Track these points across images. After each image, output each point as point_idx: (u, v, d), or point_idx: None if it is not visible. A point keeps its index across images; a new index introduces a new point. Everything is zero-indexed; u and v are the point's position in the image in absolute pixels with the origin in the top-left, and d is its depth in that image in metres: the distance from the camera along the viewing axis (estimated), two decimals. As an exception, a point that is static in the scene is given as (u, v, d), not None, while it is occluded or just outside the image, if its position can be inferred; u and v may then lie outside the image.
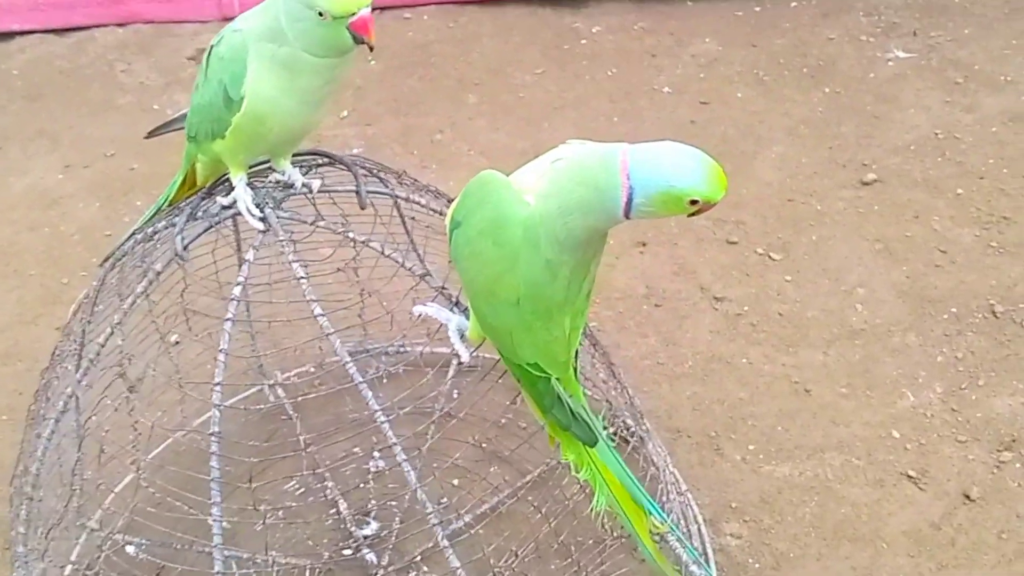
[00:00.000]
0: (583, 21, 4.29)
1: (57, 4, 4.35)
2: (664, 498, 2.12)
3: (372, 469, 2.52)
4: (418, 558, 2.30)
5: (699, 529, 2.32)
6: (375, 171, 2.15)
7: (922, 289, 2.98)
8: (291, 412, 2.36)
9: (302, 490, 2.49)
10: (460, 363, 1.89)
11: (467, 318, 1.89)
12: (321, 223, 1.95)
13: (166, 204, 2.17)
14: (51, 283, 3.20)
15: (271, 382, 2.70)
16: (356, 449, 2.53)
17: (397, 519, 2.38)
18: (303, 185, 2.02)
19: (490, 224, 1.63)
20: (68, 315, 2.33)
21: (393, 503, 2.43)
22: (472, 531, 2.25)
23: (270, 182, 2.03)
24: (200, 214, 2.01)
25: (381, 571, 2.26)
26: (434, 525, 1.84)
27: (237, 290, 1.87)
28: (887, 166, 3.43)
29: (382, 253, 1.97)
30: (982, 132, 3.55)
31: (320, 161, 2.15)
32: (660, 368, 2.79)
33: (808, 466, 2.54)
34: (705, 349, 2.84)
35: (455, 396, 2.52)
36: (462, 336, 1.90)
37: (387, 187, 2.11)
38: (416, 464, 1.98)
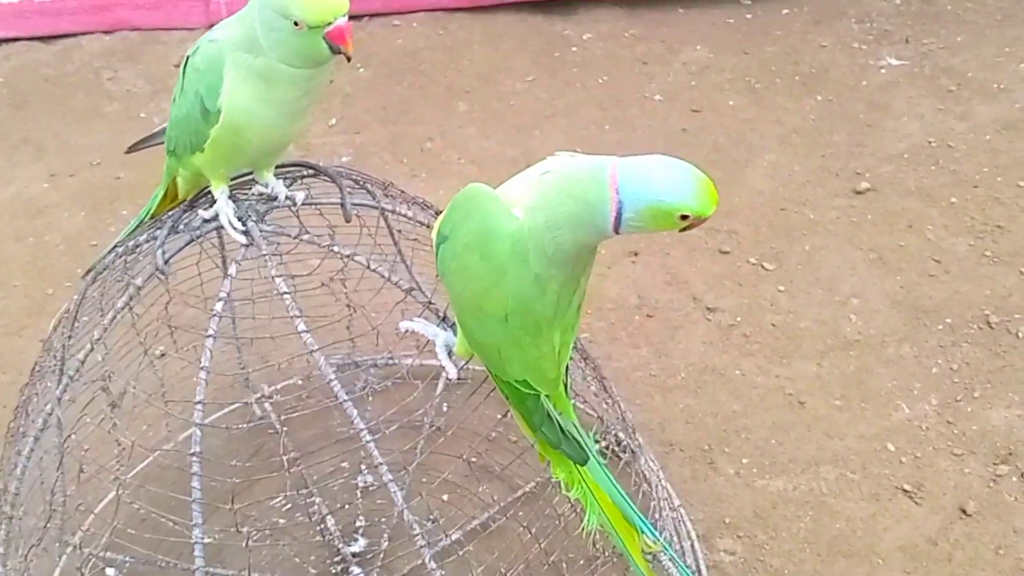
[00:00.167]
0: (574, 28, 4.26)
1: (43, 11, 4.31)
2: (657, 515, 2.08)
3: (360, 484, 2.48)
4: (407, 576, 2.27)
5: (692, 545, 2.28)
6: (361, 182, 2.11)
7: (916, 299, 2.95)
8: (278, 427, 2.32)
9: (289, 506, 2.45)
10: (448, 380, 1.86)
11: (455, 334, 1.85)
12: (305, 236, 1.92)
13: (148, 217, 2.13)
14: (36, 294, 3.16)
15: (257, 396, 2.66)
16: (344, 464, 2.49)
17: (386, 536, 2.34)
18: (287, 198, 1.99)
19: (477, 238, 1.60)
20: (50, 327, 2.29)
21: (382, 520, 2.39)
22: (462, 550, 2.21)
23: (253, 194, 1.99)
24: (182, 227, 1.97)
25: (369, 589, 2.23)
26: (421, 547, 1.80)
27: (219, 305, 1.83)
28: (880, 175, 3.40)
29: (368, 267, 1.93)
30: (975, 140, 3.52)
31: (305, 173, 2.11)
32: (652, 380, 2.76)
33: (802, 480, 2.50)
34: (698, 360, 2.81)
35: (444, 409, 2.49)
36: (450, 352, 1.86)
37: (374, 199, 2.07)
38: (404, 481, 1.95)
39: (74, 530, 2.15)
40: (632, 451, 2.19)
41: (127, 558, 2.17)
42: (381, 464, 1.79)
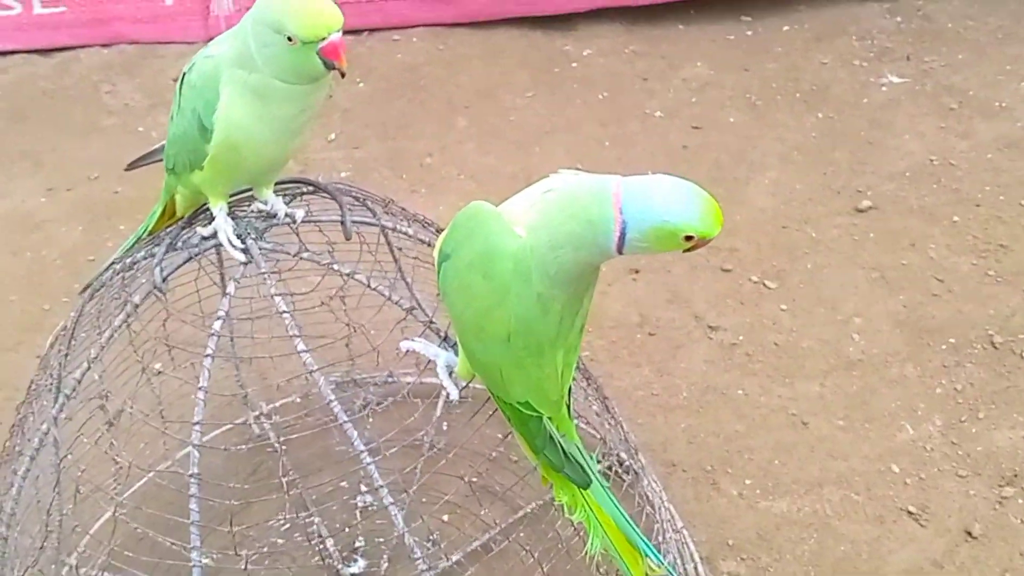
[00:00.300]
0: (574, 44, 4.25)
1: (41, 24, 4.30)
2: (660, 537, 2.06)
3: (359, 505, 2.45)
4: (407, 598, 2.24)
5: (696, 568, 2.25)
6: (361, 199, 2.09)
7: (919, 319, 2.93)
8: (277, 447, 2.30)
9: (287, 526, 2.42)
10: (449, 401, 1.83)
11: (456, 354, 1.83)
12: (305, 255, 1.89)
13: (145, 234, 2.10)
14: (32, 309, 3.13)
15: (256, 414, 2.64)
16: (343, 484, 2.46)
17: (385, 557, 2.31)
18: (286, 215, 1.96)
19: (479, 257, 1.58)
20: (47, 345, 2.26)
21: (381, 541, 2.36)
22: (464, 573, 2.18)
23: (252, 212, 1.97)
24: (180, 244, 1.95)
25: (368, 611, 2.20)
26: (422, 570, 1.78)
27: (217, 324, 1.81)
28: (882, 193, 3.39)
29: (368, 286, 1.91)
30: (977, 159, 3.51)
31: (304, 189, 2.09)
32: (654, 399, 2.74)
33: (806, 501, 2.48)
34: (700, 380, 2.78)
35: (444, 429, 2.47)
36: (451, 373, 1.84)
37: (374, 216, 2.05)
38: (404, 502, 1.92)
39: (70, 550, 2.12)
40: (635, 472, 2.17)
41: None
42: (382, 487, 1.76)
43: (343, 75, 1.74)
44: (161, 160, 2.02)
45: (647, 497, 2.15)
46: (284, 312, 1.79)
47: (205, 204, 1.98)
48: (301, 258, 1.90)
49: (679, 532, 2.30)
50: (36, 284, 3.21)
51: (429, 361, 1.88)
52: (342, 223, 1.97)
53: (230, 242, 1.88)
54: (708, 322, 2.95)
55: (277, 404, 2.67)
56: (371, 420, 2.23)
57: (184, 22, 4.33)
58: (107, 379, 1.95)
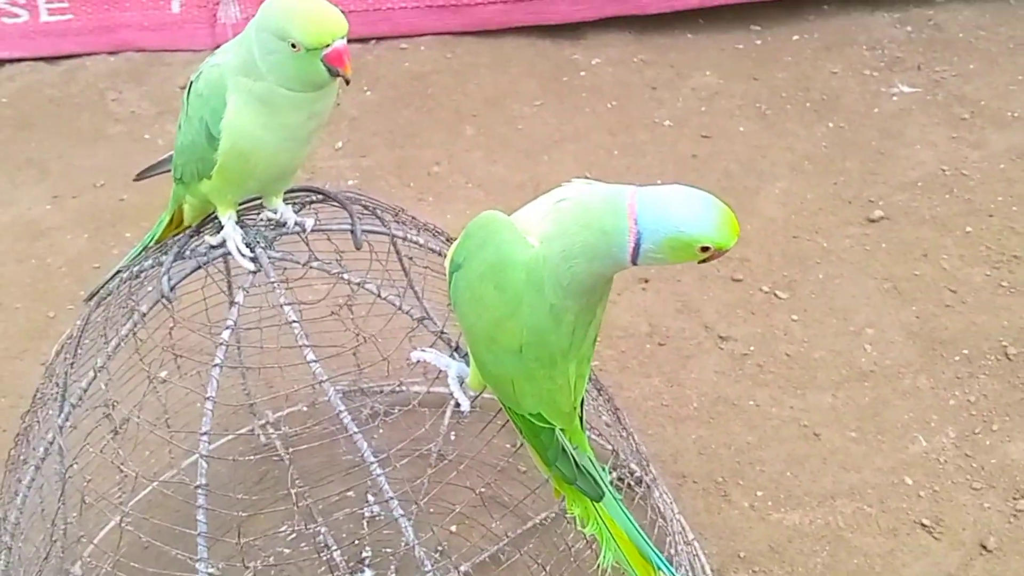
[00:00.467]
0: (582, 53, 4.23)
1: (48, 32, 4.29)
2: (672, 550, 2.04)
3: (367, 515, 2.43)
4: (414, 609, 2.21)
5: (707, 581, 2.23)
6: (371, 208, 2.07)
7: (932, 330, 2.90)
8: (284, 456, 2.27)
9: (294, 536, 2.40)
10: (461, 412, 1.81)
11: (467, 364, 1.80)
12: (315, 264, 1.87)
13: (152, 243, 2.08)
14: (37, 317, 3.11)
15: (262, 422, 2.62)
16: (350, 493, 2.44)
17: (393, 568, 2.29)
18: (296, 224, 1.94)
19: (491, 267, 1.55)
20: (52, 353, 2.24)
21: (389, 550, 2.34)
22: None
23: (261, 220, 1.95)
24: (188, 253, 1.93)
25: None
26: (432, 583, 1.75)
27: (226, 334, 1.78)
28: (894, 203, 3.36)
29: (379, 296, 1.89)
30: (990, 169, 3.48)
31: (314, 198, 2.07)
32: (664, 410, 2.71)
33: (819, 514, 2.45)
34: (710, 390, 2.76)
35: (452, 439, 2.45)
36: (462, 384, 1.82)
37: (384, 225, 2.02)
38: (412, 513, 1.90)
39: (75, 560, 2.10)
40: (647, 485, 2.14)
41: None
42: (392, 498, 1.73)
43: (347, 82, 1.72)
44: (169, 170, 2.00)
45: (658, 509, 2.12)
46: (294, 322, 1.77)
47: (213, 212, 1.96)
48: (311, 267, 1.87)
49: (690, 544, 2.28)
50: (41, 292, 3.20)
51: (440, 372, 1.85)
52: (352, 232, 1.95)
53: (239, 251, 1.86)
54: (719, 332, 2.93)
55: (284, 413, 2.65)
56: (381, 430, 2.21)
57: (191, 30, 4.32)
58: (112, 387, 1.93)
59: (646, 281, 3.10)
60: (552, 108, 3.93)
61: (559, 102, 3.97)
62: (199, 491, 1.73)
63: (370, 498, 2.45)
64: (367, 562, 2.35)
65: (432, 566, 1.75)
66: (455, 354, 1.89)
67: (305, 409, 2.66)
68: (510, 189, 3.50)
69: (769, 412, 2.70)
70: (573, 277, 1.50)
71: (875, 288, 3.05)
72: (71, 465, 1.91)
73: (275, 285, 1.82)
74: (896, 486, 2.51)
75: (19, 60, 4.29)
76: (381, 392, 2.59)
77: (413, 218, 2.14)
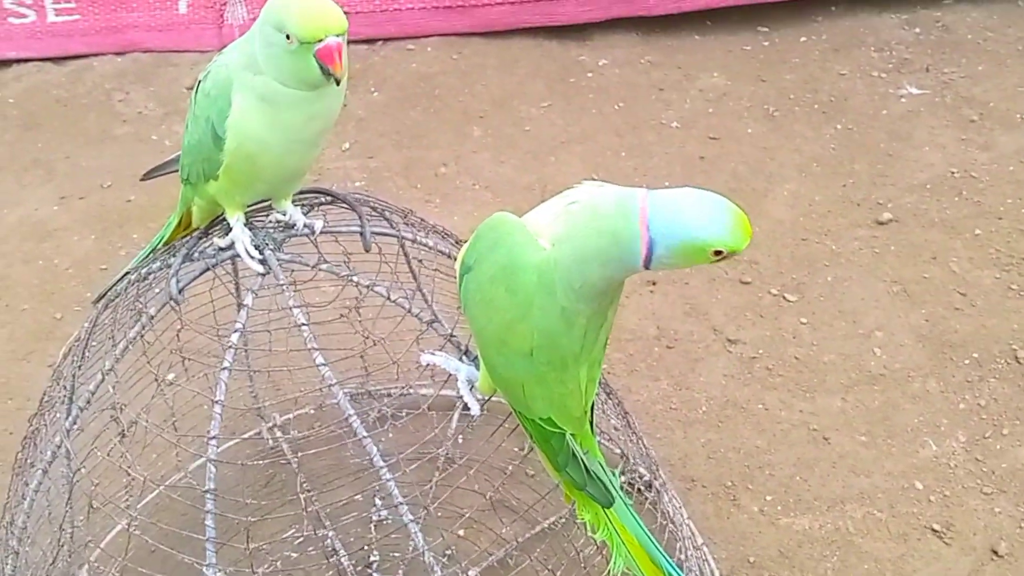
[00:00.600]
0: (589, 54, 4.22)
1: (55, 32, 4.28)
2: (682, 555, 2.02)
3: (374, 519, 2.42)
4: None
5: (717, 586, 2.22)
6: (380, 210, 2.06)
7: (942, 333, 2.89)
8: (291, 459, 2.27)
9: (301, 539, 2.39)
10: (471, 416, 1.80)
11: (477, 368, 1.79)
12: (324, 266, 1.86)
13: (160, 245, 2.07)
14: (44, 318, 3.10)
15: (269, 425, 2.61)
16: (358, 497, 2.43)
17: (400, 572, 2.27)
18: (305, 226, 1.93)
19: (502, 269, 1.54)
20: (59, 355, 2.23)
21: (397, 555, 2.33)
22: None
23: (270, 222, 1.94)
24: (197, 255, 1.92)
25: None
26: (441, 588, 1.74)
27: (235, 337, 1.77)
28: (902, 205, 3.35)
29: (388, 298, 1.88)
30: (999, 171, 3.47)
31: (322, 200, 2.05)
32: (673, 413, 2.70)
33: (828, 518, 2.44)
34: (719, 394, 2.75)
35: (459, 442, 2.44)
36: (472, 387, 1.81)
37: (393, 227, 2.01)
38: (420, 516, 1.89)
39: (82, 563, 2.09)
40: (657, 489, 2.13)
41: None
42: (401, 504, 1.72)
43: (337, 82, 1.69)
44: (176, 171, 1.99)
45: (668, 514, 2.11)
46: (303, 325, 1.76)
47: (221, 214, 1.95)
48: (320, 269, 1.86)
49: (699, 549, 2.27)
50: (48, 293, 3.19)
51: (449, 375, 1.84)
52: (361, 234, 1.94)
53: (248, 253, 1.85)
54: (727, 335, 2.91)
55: (291, 416, 2.64)
56: (391, 434, 2.20)
57: (198, 31, 4.32)
58: (120, 390, 1.92)
59: (654, 284, 3.09)
60: (559, 109, 3.92)
61: (566, 103, 3.95)
62: (208, 496, 1.72)
63: (378, 502, 2.44)
64: (375, 567, 2.34)
65: (441, 571, 1.74)
66: (464, 357, 1.88)
67: (312, 412, 2.65)
68: (517, 190, 3.49)
69: (778, 416, 2.68)
70: (585, 281, 1.49)
71: (884, 291, 3.04)
72: (78, 469, 1.90)
73: (284, 287, 1.81)
74: (906, 490, 2.49)
75: (26, 60, 4.28)
76: (388, 395, 2.57)
77: (422, 220, 2.13)
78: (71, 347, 2.06)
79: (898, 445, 2.60)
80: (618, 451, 2.19)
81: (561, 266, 1.49)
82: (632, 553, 1.77)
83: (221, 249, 1.90)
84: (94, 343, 2.00)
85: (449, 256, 2.02)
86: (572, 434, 1.70)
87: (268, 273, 1.85)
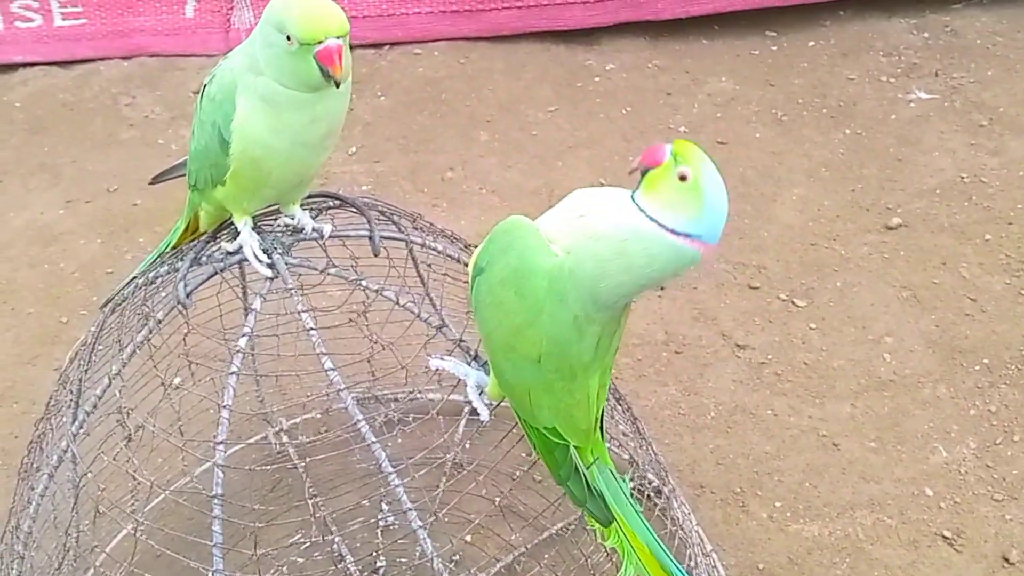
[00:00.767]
0: (596, 58, 4.21)
1: (62, 36, 4.28)
2: (692, 562, 2.01)
3: (381, 524, 2.41)
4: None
5: (726, 593, 2.20)
6: (389, 214, 2.05)
7: (952, 339, 2.87)
8: (297, 462, 2.25)
9: (307, 544, 2.38)
10: (480, 421, 1.78)
11: (487, 373, 1.78)
12: (332, 270, 1.85)
13: (168, 250, 2.06)
14: (50, 322, 3.10)
15: (276, 429, 2.60)
16: (364, 502, 2.41)
17: (407, 578, 2.27)
18: (313, 230, 1.92)
19: (514, 272, 1.53)
20: (66, 359, 2.23)
21: (403, 560, 2.31)
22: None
23: (279, 226, 1.93)
24: (204, 259, 1.91)
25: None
26: (449, 595, 1.73)
27: (243, 341, 1.76)
28: (912, 210, 3.33)
29: (397, 303, 1.87)
30: (1009, 176, 3.45)
31: (330, 204, 2.05)
32: (681, 419, 2.68)
33: (838, 525, 2.42)
34: (728, 399, 2.73)
35: (467, 447, 2.42)
36: (481, 393, 1.79)
37: (402, 232, 2.00)
38: (428, 522, 1.87)
39: (87, 569, 2.08)
40: (666, 496, 2.11)
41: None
42: (410, 509, 1.71)
43: (337, 84, 1.68)
44: (185, 175, 1.98)
45: (677, 520, 2.10)
46: (312, 330, 1.74)
47: (229, 218, 1.94)
48: (329, 274, 1.85)
49: (708, 556, 2.25)
50: (54, 297, 3.18)
51: (458, 380, 1.83)
52: (370, 239, 1.93)
53: (256, 257, 1.84)
54: (736, 340, 2.90)
55: (297, 420, 2.63)
56: (400, 440, 2.19)
57: (205, 35, 4.31)
58: (126, 394, 1.91)
59: (662, 288, 3.07)
60: (566, 114, 3.91)
61: (573, 108, 3.94)
62: (215, 501, 1.71)
63: (384, 507, 2.43)
64: (381, 572, 2.32)
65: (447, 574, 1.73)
66: (473, 362, 1.86)
67: (318, 417, 2.64)
68: (524, 195, 3.48)
69: (787, 421, 2.67)
70: (613, 290, 1.48)
71: (894, 296, 3.02)
72: (85, 473, 1.89)
73: (292, 292, 1.80)
74: (916, 497, 2.48)
75: (32, 64, 4.28)
76: (395, 400, 2.56)
77: (431, 224, 2.12)
78: (78, 351, 2.05)
79: (908, 451, 2.58)
80: (627, 457, 2.17)
81: (576, 276, 1.48)
82: (643, 560, 1.75)
83: (229, 253, 1.89)
84: (101, 347, 1.99)
85: (458, 260, 2.01)
86: (576, 447, 1.68)
87: (277, 277, 1.84)
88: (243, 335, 1.77)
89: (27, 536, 1.94)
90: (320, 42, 1.63)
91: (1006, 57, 4.07)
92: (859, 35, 4.24)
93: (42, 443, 2.02)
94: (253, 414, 2.49)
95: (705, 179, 1.44)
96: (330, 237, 1.94)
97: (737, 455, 2.59)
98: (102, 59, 4.30)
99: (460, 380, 1.84)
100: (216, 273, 1.91)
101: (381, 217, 2.02)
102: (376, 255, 1.93)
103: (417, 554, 2.13)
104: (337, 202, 2.04)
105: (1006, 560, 2.33)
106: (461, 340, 1.90)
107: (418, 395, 2.55)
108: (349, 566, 2.29)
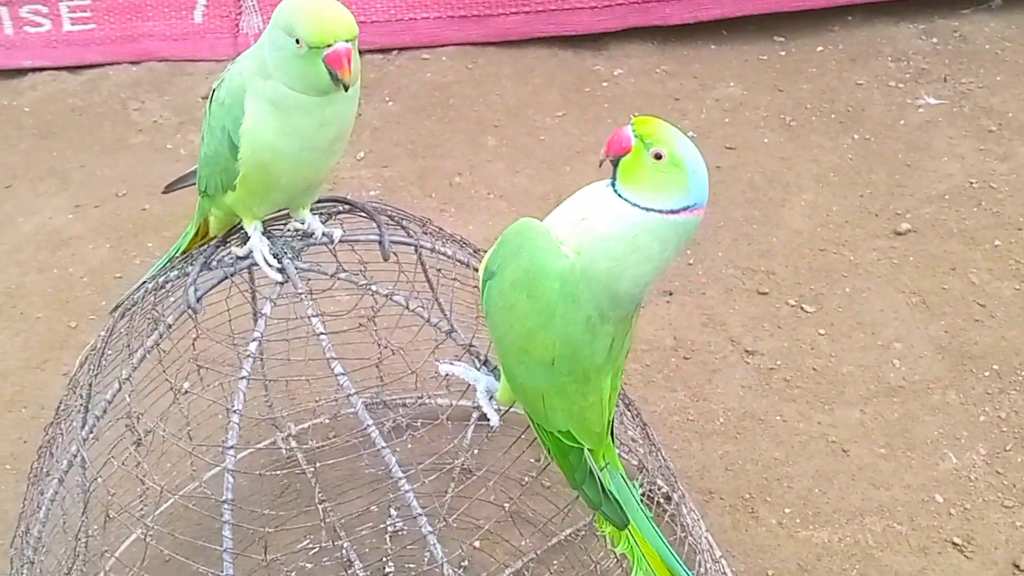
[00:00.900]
0: (604, 63, 4.21)
1: (71, 41, 4.29)
2: (701, 568, 2.00)
3: (390, 529, 2.40)
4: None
5: (736, 600, 2.20)
6: (398, 219, 2.05)
7: (962, 345, 2.86)
8: (306, 467, 2.25)
9: (316, 549, 2.38)
10: (489, 427, 1.78)
11: (496, 378, 1.78)
12: (342, 275, 1.85)
13: (177, 255, 2.06)
14: (59, 327, 3.10)
15: (285, 434, 2.59)
16: (373, 508, 2.41)
17: (416, 583, 2.26)
18: (323, 235, 1.92)
19: (525, 274, 1.53)
20: (75, 364, 2.23)
21: (412, 565, 2.31)
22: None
23: (288, 231, 1.93)
24: (215, 264, 1.91)
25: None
26: (460, 601, 1.72)
27: (253, 346, 1.76)
28: (921, 216, 3.33)
29: (406, 308, 1.87)
30: (1018, 182, 3.44)
31: (340, 208, 2.05)
32: (690, 425, 2.68)
33: (848, 531, 2.42)
34: (737, 405, 2.73)
35: (475, 453, 2.42)
36: (491, 397, 1.79)
37: (411, 236, 2.00)
38: (437, 527, 1.87)
39: (97, 573, 2.08)
40: (676, 502, 2.11)
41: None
42: (420, 515, 1.71)
43: (346, 88, 1.68)
44: (195, 183, 1.99)
45: (687, 526, 2.09)
46: (322, 334, 1.74)
47: (239, 223, 1.94)
48: (339, 278, 1.85)
49: (718, 562, 2.25)
50: (63, 301, 3.19)
51: (468, 386, 1.83)
52: (380, 243, 1.93)
53: (266, 262, 1.84)
54: (745, 346, 2.89)
55: (306, 425, 2.62)
56: (410, 445, 2.19)
57: (213, 40, 4.32)
58: (136, 398, 1.92)
59: (670, 294, 3.07)
60: (574, 119, 3.91)
61: (581, 113, 3.94)
62: (225, 506, 1.71)
63: (393, 512, 2.43)
64: (390, 577, 2.32)
65: (461, 586, 1.73)
66: (483, 367, 1.86)
67: (327, 421, 2.64)
68: (532, 200, 3.48)
69: (796, 427, 2.66)
70: (632, 285, 1.50)
71: (903, 302, 3.01)
72: (94, 478, 1.89)
73: (302, 296, 1.80)
74: (926, 503, 2.47)
75: (41, 69, 4.28)
76: (404, 405, 2.56)
77: (440, 229, 2.12)
78: (87, 356, 2.05)
79: (918, 458, 2.58)
80: (636, 462, 2.17)
81: (588, 276, 1.49)
82: (653, 566, 1.75)
83: (239, 258, 1.89)
84: (110, 352, 2.00)
85: (467, 265, 2.01)
86: (591, 450, 1.68)
87: (287, 282, 1.84)
88: (253, 340, 1.77)
89: (37, 541, 1.94)
90: (329, 45, 1.63)
91: (1015, 62, 4.06)
92: (868, 40, 4.24)
93: (52, 448, 2.02)
94: (262, 419, 2.49)
95: (679, 151, 1.47)
96: (340, 242, 1.94)
97: (746, 461, 2.58)
98: (111, 64, 4.30)
99: (469, 385, 1.84)
100: (226, 278, 1.91)
101: (390, 222, 2.02)
102: (386, 260, 1.94)
103: (426, 560, 2.13)
104: (347, 207, 2.05)
105: (1016, 567, 2.32)
106: (470, 345, 1.90)
107: (427, 400, 2.54)
108: (358, 571, 2.29)
